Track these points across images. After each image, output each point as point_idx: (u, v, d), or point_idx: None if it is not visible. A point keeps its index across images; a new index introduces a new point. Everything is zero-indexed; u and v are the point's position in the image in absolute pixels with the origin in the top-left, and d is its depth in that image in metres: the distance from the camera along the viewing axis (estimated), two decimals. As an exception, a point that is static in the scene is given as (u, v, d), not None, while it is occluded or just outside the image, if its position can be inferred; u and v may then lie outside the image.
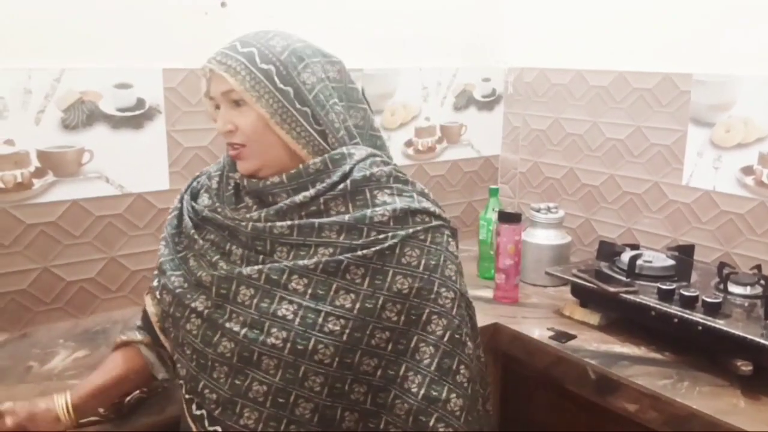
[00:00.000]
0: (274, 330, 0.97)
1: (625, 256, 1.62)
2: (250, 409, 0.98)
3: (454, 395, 0.99)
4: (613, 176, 2.01)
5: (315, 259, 0.99)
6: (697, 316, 1.37)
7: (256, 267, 1.01)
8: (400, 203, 1.02)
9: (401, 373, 0.99)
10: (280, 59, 1.04)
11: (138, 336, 1.19)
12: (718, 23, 1.73)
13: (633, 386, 1.32)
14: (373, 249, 0.98)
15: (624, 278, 1.56)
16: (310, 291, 0.98)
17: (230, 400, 0.98)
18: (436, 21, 2.09)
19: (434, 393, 0.98)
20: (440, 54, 2.13)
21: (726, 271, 1.55)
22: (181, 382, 1.06)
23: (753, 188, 1.68)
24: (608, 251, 1.70)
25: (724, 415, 1.20)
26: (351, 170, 1.03)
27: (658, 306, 1.43)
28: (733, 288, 1.50)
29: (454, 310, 1.02)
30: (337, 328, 0.97)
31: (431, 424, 0.98)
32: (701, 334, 1.35)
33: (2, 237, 1.51)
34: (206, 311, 1.02)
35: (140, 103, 1.63)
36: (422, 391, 0.98)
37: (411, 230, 1.01)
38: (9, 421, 1.03)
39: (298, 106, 1.03)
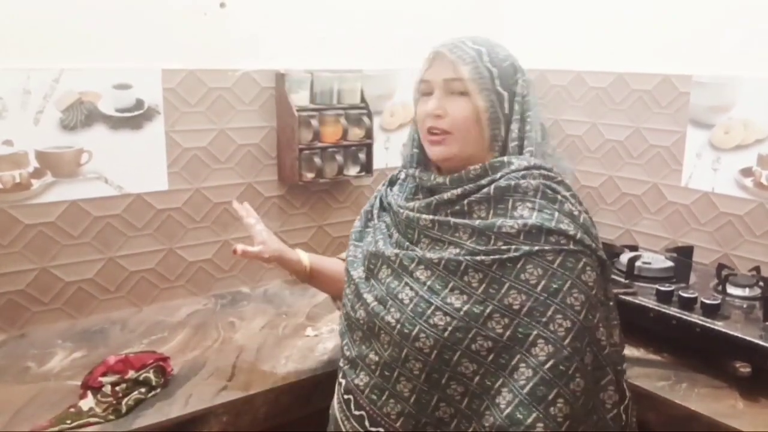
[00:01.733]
0: (392, 310, 1.06)
1: (624, 258, 1.62)
2: (364, 373, 1.09)
3: (541, 425, 0.95)
4: (612, 177, 2.01)
5: (440, 255, 1.05)
6: (696, 318, 1.37)
7: (395, 250, 1.11)
8: (534, 219, 1.00)
9: (497, 386, 0.99)
10: (503, 66, 1.10)
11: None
12: (718, 24, 1.73)
13: (632, 387, 1.31)
14: (492, 257, 1.00)
15: (623, 279, 1.56)
16: (429, 283, 1.04)
17: (354, 361, 1.12)
18: (436, 22, 2.08)
19: (518, 416, 0.95)
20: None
21: (725, 272, 1.55)
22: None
23: (752, 190, 1.68)
24: (607, 252, 1.67)
25: (723, 416, 1.20)
26: (500, 177, 1.06)
27: (656, 307, 1.43)
28: (731, 290, 1.50)
29: (567, 340, 0.97)
30: (441, 323, 1.00)
31: None
32: (700, 335, 1.35)
33: (1, 237, 1.51)
34: (357, 280, 1.14)
35: (139, 103, 1.63)
36: (508, 410, 0.96)
37: (537, 248, 0.99)
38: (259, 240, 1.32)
39: (506, 111, 1.09)
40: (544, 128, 1.15)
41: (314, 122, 1.82)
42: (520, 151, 1.10)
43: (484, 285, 1.00)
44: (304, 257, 1.35)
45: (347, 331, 1.15)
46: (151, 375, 1.28)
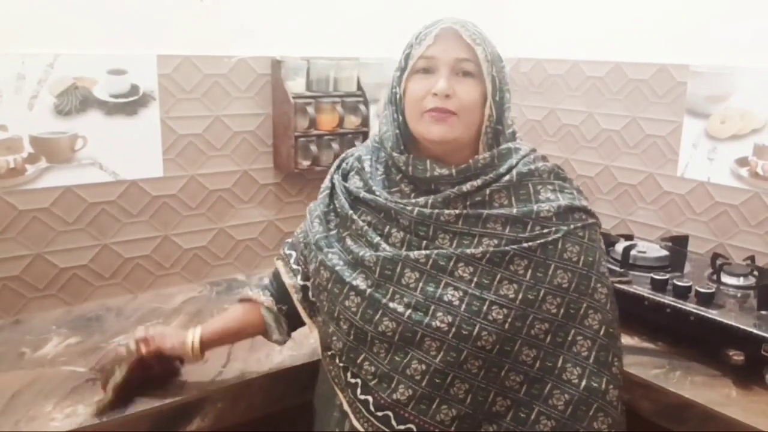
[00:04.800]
0: (439, 314, 1.01)
1: (619, 247, 1.62)
2: (405, 386, 1.01)
3: (612, 386, 1.02)
4: (608, 167, 2.01)
5: (481, 249, 1.02)
6: (690, 306, 1.37)
7: (423, 252, 1.04)
8: (563, 200, 1.05)
9: (559, 364, 1.02)
10: (495, 52, 1.08)
11: (262, 297, 1.25)
12: (715, 14, 1.73)
13: (626, 375, 1.31)
14: (537, 242, 1.01)
15: (618, 268, 1.56)
16: (475, 279, 1.02)
17: (387, 375, 1.03)
18: (433, 10, 2.07)
19: (594, 384, 1.01)
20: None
21: (719, 261, 1.55)
22: (332, 352, 1.11)
23: (747, 180, 1.69)
24: (603, 241, 1.69)
25: (717, 404, 1.21)
26: (517, 164, 1.07)
27: (651, 296, 1.43)
28: (726, 279, 1.50)
29: (608, 305, 1.05)
30: (500, 316, 1.00)
31: (591, 413, 1.01)
32: (694, 324, 1.36)
33: (-5, 223, 1.51)
34: (368, 290, 1.05)
35: (134, 89, 1.62)
36: (584, 383, 1.01)
37: (572, 226, 1.04)
38: (140, 333, 1.21)
39: (496, 98, 1.06)
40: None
41: (310, 110, 1.81)
42: (513, 137, 1.11)
43: (531, 270, 1.01)
44: (190, 339, 1.22)
45: (360, 346, 1.06)
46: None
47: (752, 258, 1.59)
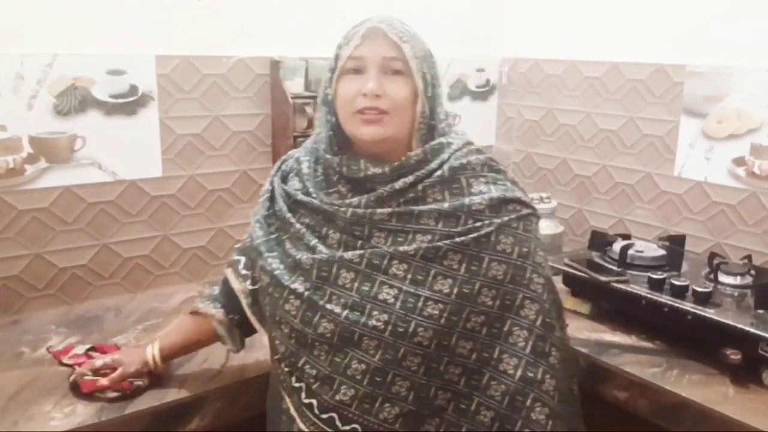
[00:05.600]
0: (375, 312, 1.01)
1: (617, 246, 1.62)
2: (347, 386, 1.02)
3: (548, 376, 1.03)
4: (605, 167, 2.01)
5: (415, 246, 1.02)
6: (688, 306, 1.38)
7: (357, 252, 1.04)
8: (495, 192, 1.05)
9: (496, 355, 1.03)
10: (424, 48, 1.09)
11: (212, 310, 1.24)
12: (712, 15, 1.73)
13: (623, 374, 1.33)
14: (470, 236, 1.02)
15: (615, 268, 1.57)
16: (410, 276, 1.02)
17: (329, 377, 1.03)
18: (431, 11, 2.08)
19: (530, 374, 1.02)
20: (434, 44, 2.11)
21: (716, 261, 1.55)
22: (278, 356, 1.11)
23: (744, 179, 1.69)
24: (600, 241, 1.70)
25: (714, 403, 1.21)
26: (449, 158, 1.07)
27: (648, 295, 1.44)
28: (723, 278, 1.51)
29: (545, 294, 1.06)
30: (436, 312, 1.01)
31: (528, 404, 1.02)
32: (691, 323, 1.36)
33: (-6, 223, 1.51)
34: (306, 293, 1.05)
35: (133, 89, 1.62)
36: (519, 373, 1.02)
37: (506, 218, 1.04)
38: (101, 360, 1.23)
39: (428, 94, 1.07)
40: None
41: (309, 110, 1.81)
42: (447, 131, 1.11)
43: (465, 264, 1.02)
44: (150, 356, 1.24)
45: (301, 350, 1.06)
46: None
47: (749, 257, 1.60)
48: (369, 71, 1.05)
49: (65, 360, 1.32)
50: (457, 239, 1.02)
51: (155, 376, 1.26)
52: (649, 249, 1.62)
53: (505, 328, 1.04)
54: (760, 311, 1.35)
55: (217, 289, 1.28)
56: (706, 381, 1.30)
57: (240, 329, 1.26)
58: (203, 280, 1.81)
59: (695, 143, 1.78)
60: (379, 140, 1.06)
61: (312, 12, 1.86)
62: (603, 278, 1.51)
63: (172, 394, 1.23)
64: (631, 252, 1.59)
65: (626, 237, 1.75)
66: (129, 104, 1.62)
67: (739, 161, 1.70)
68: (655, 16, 1.85)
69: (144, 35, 1.62)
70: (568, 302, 1.61)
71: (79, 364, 1.27)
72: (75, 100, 1.55)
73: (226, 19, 1.74)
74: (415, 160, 1.06)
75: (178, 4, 1.66)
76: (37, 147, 1.52)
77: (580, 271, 1.57)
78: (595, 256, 1.65)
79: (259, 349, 1.40)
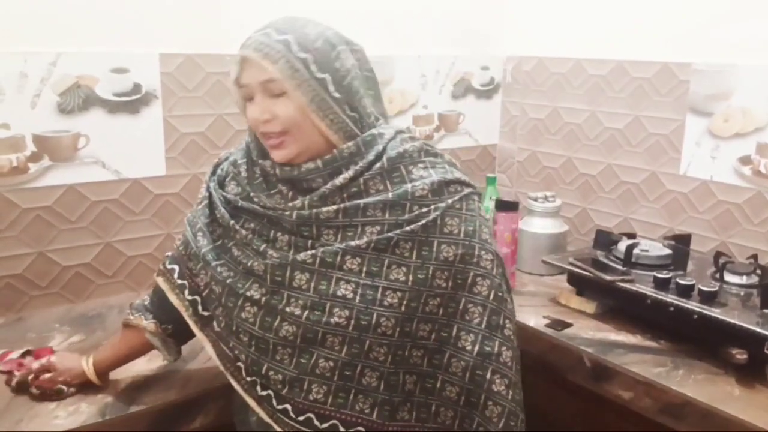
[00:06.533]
0: (336, 310, 1.01)
1: (622, 245, 1.62)
2: (318, 384, 1.02)
3: (504, 348, 1.06)
4: (610, 165, 2.00)
5: (366, 239, 1.02)
6: (693, 305, 1.37)
7: (309, 252, 1.03)
8: (435, 176, 1.06)
9: (454, 333, 1.05)
10: (316, 47, 1.03)
11: (143, 322, 1.21)
12: (718, 13, 1.73)
13: (628, 374, 1.32)
14: (418, 223, 1.03)
15: (620, 267, 1.56)
16: (365, 269, 1.02)
17: (297, 378, 1.03)
18: (436, 9, 2.08)
19: (487, 348, 1.05)
20: (439, 42, 2.13)
21: (722, 260, 1.55)
22: (239, 365, 1.08)
23: (750, 178, 1.68)
24: (605, 240, 1.70)
25: (719, 402, 1.21)
26: (384, 149, 1.06)
27: (654, 294, 1.43)
28: (729, 277, 1.50)
29: (494, 270, 1.07)
30: (395, 300, 1.02)
31: (488, 377, 1.04)
32: (697, 322, 1.36)
33: (-2, 221, 1.51)
34: (263, 298, 1.04)
35: (137, 88, 1.62)
36: (476, 348, 1.05)
37: (449, 200, 1.05)
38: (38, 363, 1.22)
39: (334, 94, 1.03)
40: (380, 95, 1.15)
41: (312, 108, 1.81)
42: (377, 121, 1.10)
43: (416, 251, 1.03)
44: (85, 368, 1.22)
45: (261, 357, 1.04)
46: None
47: (755, 256, 1.59)
48: (255, 97, 1.04)
49: (0, 367, 1.28)
50: (406, 228, 1.02)
51: (95, 387, 1.23)
52: (654, 248, 1.62)
53: (461, 307, 1.05)
54: (766, 311, 1.34)
55: (147, 299, 1.24)
56: (712, 380, 1.29)
57: (174, 338, 1.23)
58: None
59: (701, 142, 1.78)
60: (289, 160, 1.05)
61: (314, 9, 1.85)
62: (608, 277, 1.51)
63: (176, 393, 1.23)
64: (636, 251, 1.58)
65: (631, 236, 1.74)
66: (132, 102, 1.62)
67: (745, 160, 1.69)
68: (660, 14, 1.85)
69: (148, 34, 1.62)
70: (573, 302, 1.61)
71: (10, 371, 1.25)
72: (78, 99, 1.55)
73: (230, 18, 1.73)
74: (347, 152, 1.05)
75: (182, 2, 1.66)
76: (41, 145, 1.52)
77: (585, 270, 1.57)
78: (600, 255, 1.64)
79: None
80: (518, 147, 2.28)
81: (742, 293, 1.45)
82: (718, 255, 1.58)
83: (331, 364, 1.02)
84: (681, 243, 1.66)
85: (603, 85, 1.99)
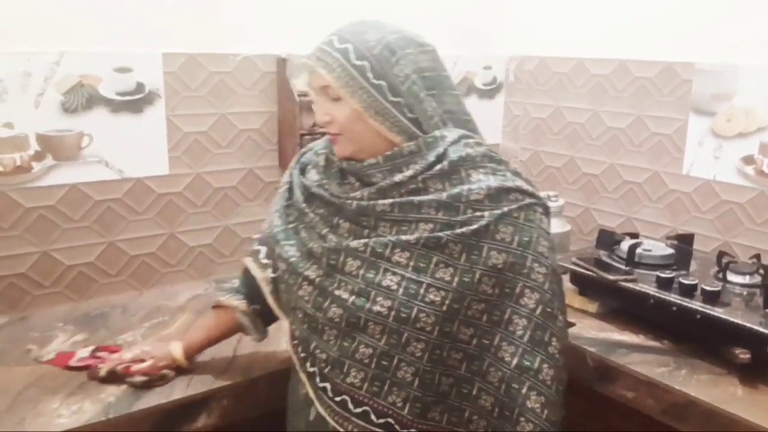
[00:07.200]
0: (379, 298, 1.05)
1: (625, 245, 1.62)
2: (356, 369, 1.06)
3: (546, 365, 1.05)
4: (613, 165, 2.00)
5: (416, 234, 1.05)
6: (696, 305, 1.37)
7: (362, 240, 1.08)
8: (494, 182, 1.07)
9: (495, 342, 1.06)
10: (374, 54, 1.08)
11: (235, 302, 1.29)
12: (721, 12, 1.72)
13: (631, 374, 1.32)
14: (469, 227, 1.04)
15: (623, 267, 1.56)
16: (412, 264, 1.05)
17: (338, 360, 1.07)
18: (437, 8, 2.08)
19: (526, 363, 1.04)
20: (441, 42, 2.10)
21: (725, 260, 1.55)
22: (296, 342, 1.15)
23: (753, 178, 1.68)
24: (608, 240, 1.69)
25: (722, 402, 1.21)
26: (446, 151, 1.08)
27: (656, 294, 1.43)
28: (732, 277, 1.50)
29: (546, 284, 1.06)
30: (438, 298, 1.03)
31: (524, 391, 1.04)
32: (700, 322, 1.35)
33: (1, 220, 1.51)
34: (318, 279, 1.10)
35: (140, 87, 1.62)
36: (515, 361, 1.05)
37: (506, 208, 1.06)
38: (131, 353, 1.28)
39: (391, 98, 1.08)
40: (456, 96, 1.17)
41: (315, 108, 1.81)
42: (443, 124, 1.12)
43: (465, 254, 1.04)
44: (176, 354, 1.28)
45: (312, 335, 1.11)
46: None
47: (758, 256, 1.59)
48: (318, 100, 1.12)
49: (73, 364, 1.31)
50: (457, 230, 1.04)
51: (181, 370, 1.29)
52: (657, 248, 1.62)
53: (505, 316, 1.06)
54: (770, 310, 1.34)
55: (237, 282, 1.32)
56: (715, 380, 1.29)
57: (262, 318, 1.30)
58: (209, 277, 1.81)
59: (704, 141, 1.77)
60: (345, 156, 1.13)
61: (319, 9, 1.85)
62: (611, 277, 1.51)
63: (179, 392, 1.24)
64: (639, 251, 1.58)
65: (634, 236, 1.74)
66: (136, 102, 1.62)
67: (748, 160, 1.69)
68: (663, 14, 1.84)
69: (151, 33, 1.62)
70: (576, 301, 1.61)
71: (89, 366, 1.28)
72: (82, 98, 1.55)
73: (232, 17, 1.74)
74: (407, 151, 1.09)
75: (185, 1, 1.66)
76: (44, 144, 1.53)
77: (588, 270, 1.57)
78: (603, 255, 1.64)
79: (265, 347, 1.40)
80: (521, 146, 2.28)
81: (745, 293, 1.44)
82: (721, 255, 1.58)
83: (370, 351, 1.05)
84: (684, 243, 1.66)
85: (606, 85, 1.99)
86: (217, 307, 1.32)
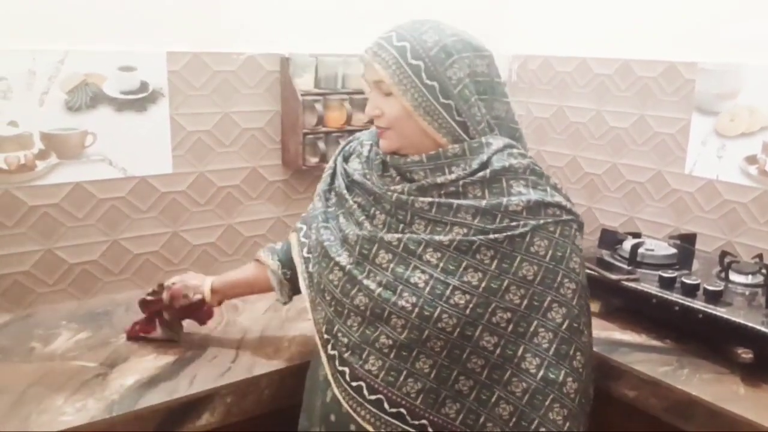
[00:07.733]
0: (405, 294, 1.07)
1: (627, 244, 1.62)
2: (375, 357, 1.08)
3: (570, 379, 1.06)
4: (616, 165, 2.00)
5: (450, 236, 1.07)
6: (699, 304, 1.37)
7: (396, 235, 1.11)
8: (534, 195, 1.08)
9: (519, 353, 1.07)
10: (430, 55, 1.09)
11: (270, 261, 1.35)
12: (724, 11, 1.72)
13: (633, 373, 1.32)
14: (504, 234, 1.06)
15: (625, 266, 1.57)
16: (441, 265, 1.07)
17: (359, 346, 1.10)
18: (440, 8, 2.07)
19: (552, 375, 1.06)
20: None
21: (728, 259, 1.55)
22: (320, 322, 1.17)
23: (756, 177, 1.68)
24: (610, 239, 1.70)
25: (725, 402, 1.21)
26: (489, 159, 1.10)
27: (659, 294, 1.43)
28: (734, 277, 1.50)
29: (575, 300, 1.08)
30: (462, 302, 1.05)
31: (547, 403, 1.05)
32: (702, 321, 1.36)
33: (6, 218, 1.51)
34: (348, 266, 1.13)
35: (144, 86, 1.63)
36: (541, 373, 1.06)
37: (542, 221, 1.07)
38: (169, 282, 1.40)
39: (442, 100, 1.10)
40: (506, 103, 1.19)
41: (319, 107, 1.82)
42: (490, 130, 1.14)
43: (496, 261, 1.05)
44: (207, 285, 1.39)
45: (336, 318, 1.14)
46: None
47: (760, 256, 1.59)
48: (371, 93, 1.16)
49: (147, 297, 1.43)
50: (492, 236, 1.06)
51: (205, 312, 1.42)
52: (659, 247, 1.62)
53: (531, 329, 1.07)
54: (772, 310, 1.35)
55: (280, 245, 1.38)
56: (717, 380, 1.29)
57: (291, 284, 1.34)
58: (213, 276, 1.81)
59: (707, 141, 1.77)
60: (390, 151, 1.16)
61: (322, 9, 1.86)
62: (613, 276, 1.51)
63: (183, 390, 1.24)
64: (641, 250, 1.58)
65: (637, 235, 1.74)
66: (140, 101, 1.63)
67: (751, 159, 1.69)
68: (666, 13, 1.84)
69: (155, 32, 1.63)
70: (578, 300, 1.61)
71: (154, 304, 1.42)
72: (86, 97, 1.56)
73: (236, 16, 1.74)
74: (451, 153, 1.11)
75: (190, 0, 1.66)
76: (49, 143, 1.53)
77: (590, 269, 1.56)
78: (605, 254, 1.64)
79: (268, 346, 1.41)
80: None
81: (747, 292, 1.45)
82: (723, 254, 1.58)
83: (391, 342, 1.07)
84: (686, 242, 1.66)
85: (609, 84, 1.99)
86: (257, 261, 1.38)
